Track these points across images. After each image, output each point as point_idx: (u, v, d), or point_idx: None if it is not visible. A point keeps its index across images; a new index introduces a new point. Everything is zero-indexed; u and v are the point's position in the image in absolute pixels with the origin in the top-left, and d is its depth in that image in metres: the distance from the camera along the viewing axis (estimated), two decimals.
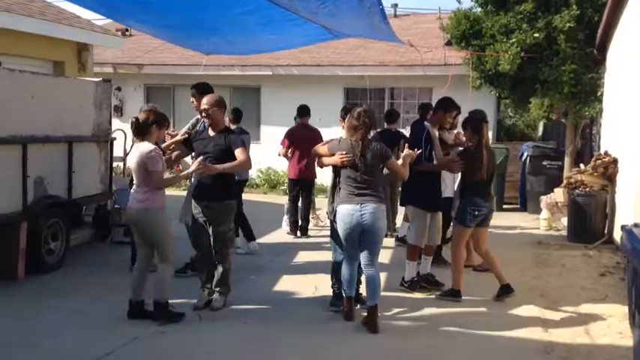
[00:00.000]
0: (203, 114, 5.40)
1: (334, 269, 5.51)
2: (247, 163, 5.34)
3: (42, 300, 5.65)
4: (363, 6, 5.43)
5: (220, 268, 5.44)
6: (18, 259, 6.16)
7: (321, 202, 9.62)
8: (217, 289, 5.46)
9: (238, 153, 5.23)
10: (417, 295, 5.93)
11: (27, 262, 6.24)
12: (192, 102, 6.38)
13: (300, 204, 8.85)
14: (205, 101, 5.34)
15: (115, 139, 7.99)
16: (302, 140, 8.64)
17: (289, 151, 8.76)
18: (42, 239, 6.45)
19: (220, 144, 5.26)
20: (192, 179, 5.63)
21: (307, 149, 8.66)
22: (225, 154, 5.23)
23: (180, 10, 6.25)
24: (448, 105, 6.24)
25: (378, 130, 9.66)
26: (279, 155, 9.07)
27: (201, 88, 6.33)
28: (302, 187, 8.76)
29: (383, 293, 5.93)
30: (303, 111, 8.92)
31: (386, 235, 8.45)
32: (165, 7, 6.16)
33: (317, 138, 8.74)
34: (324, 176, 9.56)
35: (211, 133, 5.35)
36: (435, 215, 6.09)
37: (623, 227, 4.26)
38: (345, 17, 6.07)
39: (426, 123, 6.19)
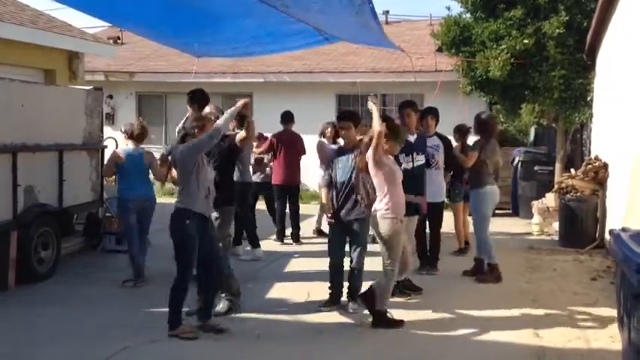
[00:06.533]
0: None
1: (332, 272, 5.71)
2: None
3: (33, 309, 5.61)
4: (353, 4, 5.43)
5: (221, 275, 5.47)
6: (8, 269, 6.13)
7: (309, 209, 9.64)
8: (222, 295, 5.50)
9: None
10: (397, 299, 5.92)
11: (17, 272, 6.21)
12: (188, 109, 6.51)
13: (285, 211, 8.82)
14: (209, 110, 5.66)
15: (106, 147, 7.98)
16: (288, 146, 8.64)
17: (272, 155, 8.71)
18: (32, 248, 6.42)
19: (222, 147, 5.45)
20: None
21: (292, 155, 8.70)
22: (227, 157, 5.51)
23: (171, 8, 6.21)
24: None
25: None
26: (256, 155, 8.80)
27: (194, 97, 6.45)
28: (289, 193, 8.76)
29: None
30: (287, 117, 8.92)
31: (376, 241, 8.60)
32: (156, 5, 6.11)
33: (301, 144, 8.79)
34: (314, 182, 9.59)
35: None
36: (410, 220, 6.00)
37: (611, 232, 4.28)
38: (336, 15, 6.03)
39: None
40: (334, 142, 8.97)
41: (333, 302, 5.68)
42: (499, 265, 6.93)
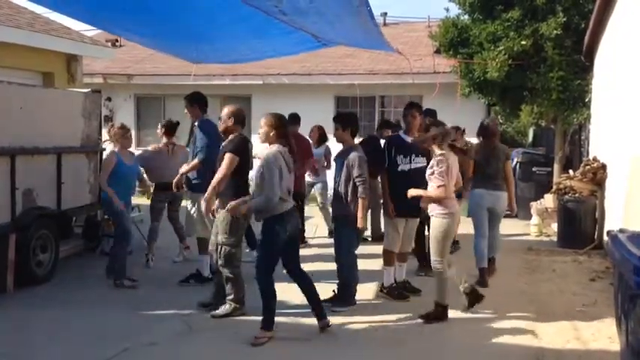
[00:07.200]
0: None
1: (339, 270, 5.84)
2: (221, 173, 5.33)
3: (32, 312, 5.61)
4: (351, 4, 5.43)
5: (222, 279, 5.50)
6: (7, 271, 6.12)
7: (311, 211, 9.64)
8: (227, 297, 5.50)
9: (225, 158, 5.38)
10: (397, 301, 5.94)
11: (16, 274, 6.20)
12: (186, 113, 6.53)
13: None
14: (225, 112, 5.59)
15: (104, 149, 7.97)
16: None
17: None
18: (31, 251, 6.41)
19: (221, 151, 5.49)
20: None
21: (297, 158, 8.63)
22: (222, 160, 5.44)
23: (168, 16, 6.24)
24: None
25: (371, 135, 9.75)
26: None
27: (192, 98, 6.46)
28: (294, 197, 8.70)
29: (365, 300, 5.94)
30: (292, 119, 8.86)
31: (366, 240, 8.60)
32: (153, 14, 6.14)
33: (307, 148, 8.72)
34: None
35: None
36: (408, 222, 6.06)
37: (608, 233, 4.28)
38: (333, 16, 6.03)
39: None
40: (318, 145, 9.03)
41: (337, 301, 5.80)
42: (498, 266, 6.95)
